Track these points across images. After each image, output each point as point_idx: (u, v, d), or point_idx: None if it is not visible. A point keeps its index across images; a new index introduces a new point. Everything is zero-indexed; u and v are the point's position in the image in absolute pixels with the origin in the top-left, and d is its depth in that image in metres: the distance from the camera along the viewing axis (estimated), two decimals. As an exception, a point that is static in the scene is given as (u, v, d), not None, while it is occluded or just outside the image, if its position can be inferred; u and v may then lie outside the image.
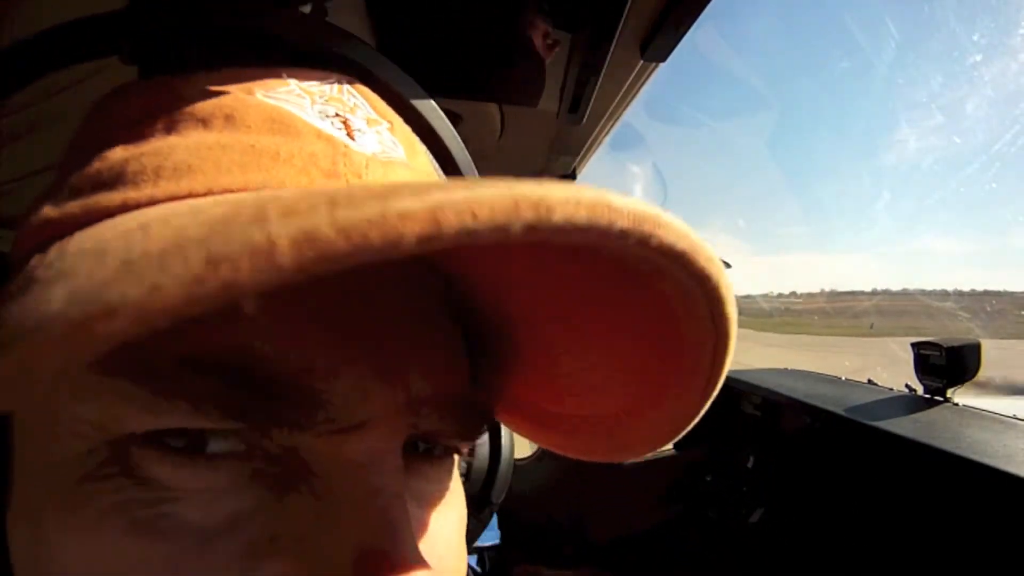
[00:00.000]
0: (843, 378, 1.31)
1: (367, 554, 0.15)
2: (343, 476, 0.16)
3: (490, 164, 1.02)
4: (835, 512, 1.05)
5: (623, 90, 0.70)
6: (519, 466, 1.57)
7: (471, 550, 0.77)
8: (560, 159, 0.97)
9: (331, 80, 0.20)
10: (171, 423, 0.14)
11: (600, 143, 0.91)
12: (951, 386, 1.01)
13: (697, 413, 0.18)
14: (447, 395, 0.19)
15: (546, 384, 0.22)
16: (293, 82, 0.19)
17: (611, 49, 0.55)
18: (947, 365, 0.98)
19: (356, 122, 0.19)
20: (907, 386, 1.10)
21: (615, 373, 0.19)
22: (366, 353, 0.16)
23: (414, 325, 0.18)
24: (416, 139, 0.22)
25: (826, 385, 1.25)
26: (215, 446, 0.15)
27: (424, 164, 0.22)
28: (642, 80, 0.69)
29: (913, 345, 1.04)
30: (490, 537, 0.80)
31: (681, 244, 0.13)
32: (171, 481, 0.14)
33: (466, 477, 0.38)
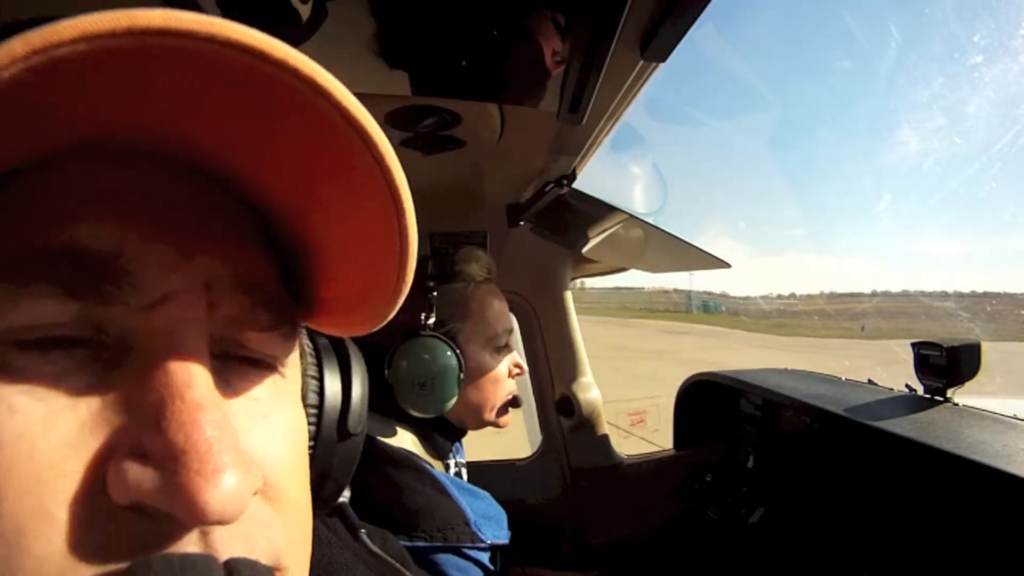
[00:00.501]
0: (843, 378, 1.31)
1: (164, 398, 0.20)
2: (151, 342, 0.21)
3: (490, 164, 1.02)
4: (835, 512, 1.05)
5: (623, 90, 0.70)
6: (519, 466, 1.57)
7: (487, 547, 0.77)
8: (560, 159, 0.97)
9: None
10: (31, 310, 0.19)
11: (600, 143, 0.91)
12: (951, 386, 1.00)
13: (408, 251, 0.22)
14: (243, 277, 0.24)
15: (318, 273, 0.27)
16: None
17: (611, 49, 0.55)
18: (947, 365, 0.98)
19: None
20: (907, 386, 1.10)
21: (342, 247, 0.25)
22: (166, 240, 0.21)
23: (211, 221, 0.23)
24: None
25: (826, 385, 1.24)
26: (66, 336, 0.20)
27: None
28: (642, 80, 0.69)
29: (913, 345, 1.04)
30: (503, 536, 0.80)
31: (251, 41, 0.16)
32: (29, 368, 0.19)
33: (319, 411, 0.40)
